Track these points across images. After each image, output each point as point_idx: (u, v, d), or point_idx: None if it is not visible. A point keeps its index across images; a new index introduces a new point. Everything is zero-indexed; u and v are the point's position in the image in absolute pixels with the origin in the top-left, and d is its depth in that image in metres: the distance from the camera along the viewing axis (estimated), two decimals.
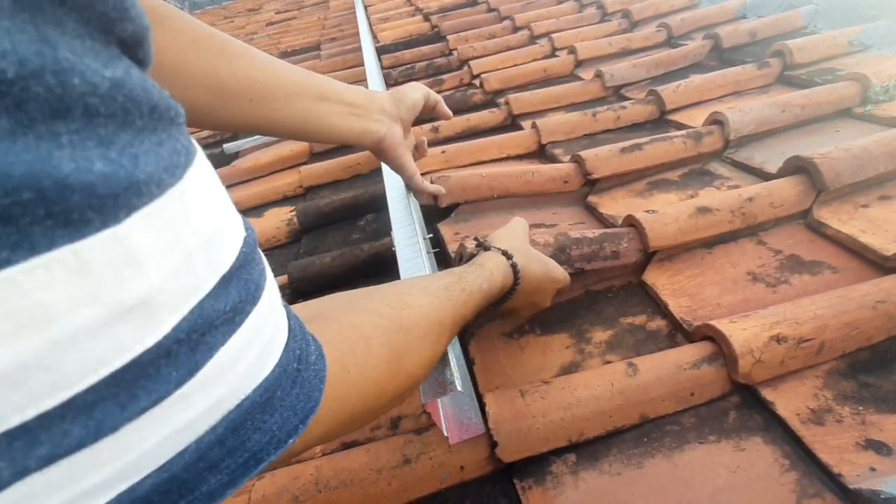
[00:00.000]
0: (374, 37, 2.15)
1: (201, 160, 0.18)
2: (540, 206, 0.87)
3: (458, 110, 1.33)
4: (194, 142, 0.18)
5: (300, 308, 0.34)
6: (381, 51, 1.94)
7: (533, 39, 1.71)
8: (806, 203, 0.69)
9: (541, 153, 1.08)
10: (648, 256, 0.68)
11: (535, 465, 0.48)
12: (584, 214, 0.85)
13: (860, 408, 0.47)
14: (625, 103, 1.10)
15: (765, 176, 0.79)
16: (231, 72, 0.48)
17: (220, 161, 1.43)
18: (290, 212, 1.03)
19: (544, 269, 0.54)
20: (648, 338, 0.59)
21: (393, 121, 0.63)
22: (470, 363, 0.59)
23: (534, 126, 1.09)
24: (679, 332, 0.59)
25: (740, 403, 0.50)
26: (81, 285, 0.13)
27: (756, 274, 0.64)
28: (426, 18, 2.24)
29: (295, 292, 0.80)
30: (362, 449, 0.50)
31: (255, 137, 1.45)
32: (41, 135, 0.12)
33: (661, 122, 1.07)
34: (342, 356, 0.28)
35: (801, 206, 0.69)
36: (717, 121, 0.89)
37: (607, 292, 0.67)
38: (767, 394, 0.49)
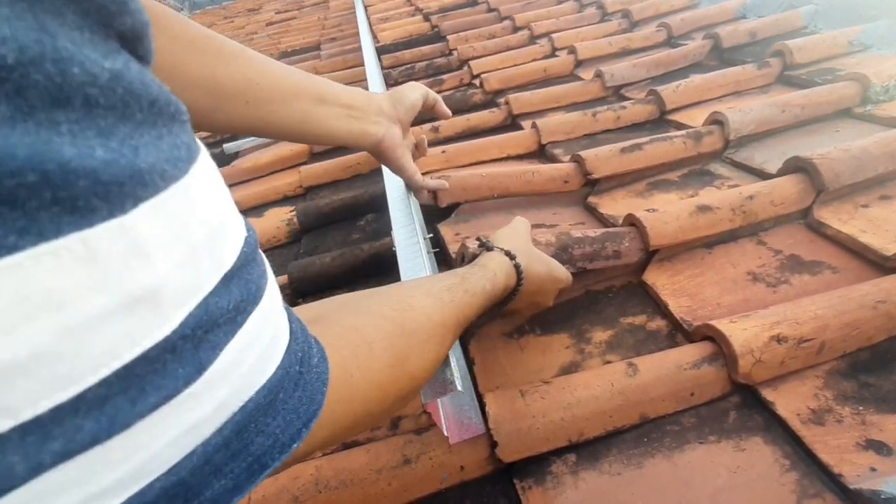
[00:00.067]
0: (374, 37, 2.15)
1: (205, 158, 0.18)
2: (540, 206, 0.87)
3: (458, 110, 1.33)
4: (198, 140, 0.18)
5: (301, 310, 0.34)
6: (381, 51, 1.94)
7: (533, 39, 1.71)
8: (806, 201, 0.69)
9: (541, 153, 1.08)
10: (649, 256, 0.68)
11: (535, 465, 0.48)
12: (584, 214, 0.85)
13: (860, 408, 0.47)
14: (625, 103, 1.10)
15: (765, 176, 0.79)
16: (228, 73, 0.48)
17: (220, 161, 1.43)
18: (290, 212, 1.03)
19: (547, 269, 0.54)
20: (648, 338, 0.59)
21: (391, 122, 0.63)
22: (470, 363, 0.59)
23: (534, 126, 1.09)
24: (679, 332, 0.59)
25: (740, 403, 0.50)
26: (89, 273, 0.13)
27: (756, 274, 0.64)
28: (426, 18, 2.24)
29: (295, 292, 0.80)
30: (362, 449, 0.50)
31: (254, 138, 1.45)
32: (41, 122, 0.12)
33: (661, 122, 1.07)
34: (344, 359, 0.28)
35: (801, 204, 0.69)
36: (717, 121, 0.89)
37: (607, 292, 0.67)
38: (768, 394, 0.49)
